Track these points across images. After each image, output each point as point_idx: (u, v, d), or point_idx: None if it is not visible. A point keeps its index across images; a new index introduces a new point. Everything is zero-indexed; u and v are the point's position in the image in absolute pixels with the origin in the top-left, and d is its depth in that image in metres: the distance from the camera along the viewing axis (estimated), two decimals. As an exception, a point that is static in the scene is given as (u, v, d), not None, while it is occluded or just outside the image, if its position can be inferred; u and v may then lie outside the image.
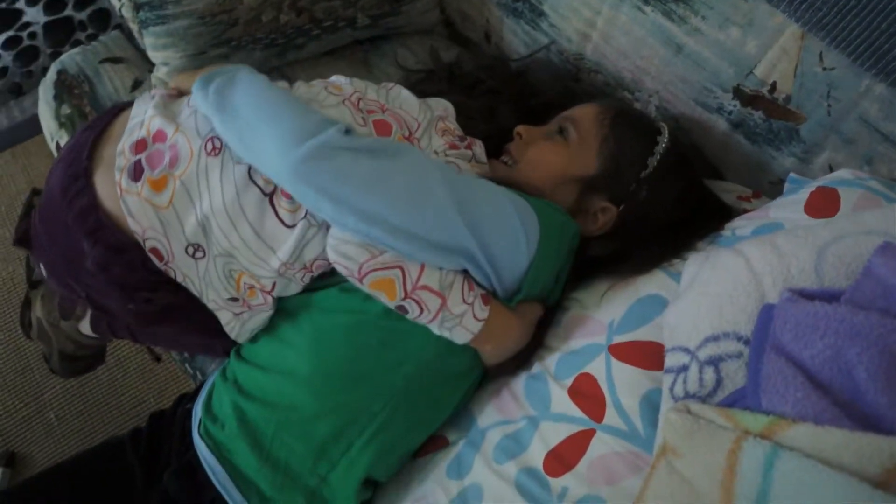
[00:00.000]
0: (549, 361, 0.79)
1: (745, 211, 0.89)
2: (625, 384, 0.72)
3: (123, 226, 0.76)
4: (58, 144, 1.20)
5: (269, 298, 0.80)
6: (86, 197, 0.76)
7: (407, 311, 0.73)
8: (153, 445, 0.88)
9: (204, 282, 0.79)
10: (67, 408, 1.44)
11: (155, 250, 0.76)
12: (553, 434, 0.73)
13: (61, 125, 1.19)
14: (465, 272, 0.74)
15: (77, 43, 1.81)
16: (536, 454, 0.73)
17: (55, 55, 1.81)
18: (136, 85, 1.23)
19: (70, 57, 1.27)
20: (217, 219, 0.75)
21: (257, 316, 0.82)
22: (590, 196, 0.85)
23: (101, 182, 0.77)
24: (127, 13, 1.16)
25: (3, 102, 1.81)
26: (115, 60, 1.26)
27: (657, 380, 0.71)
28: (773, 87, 0.86)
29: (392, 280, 0.70)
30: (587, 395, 0.73)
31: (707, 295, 0.66)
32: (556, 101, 0.99)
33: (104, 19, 1.79)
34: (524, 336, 0.79)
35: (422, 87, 0.93)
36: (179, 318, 0.83)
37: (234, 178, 0.75)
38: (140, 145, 0.77)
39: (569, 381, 0.75)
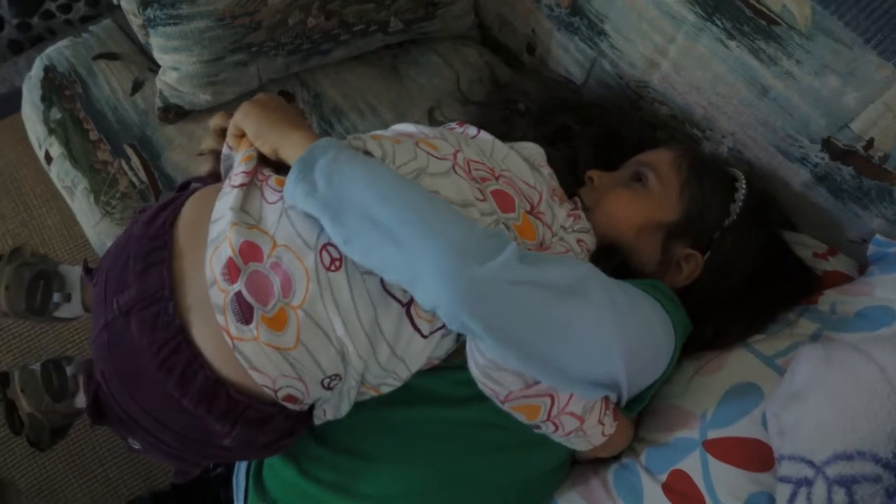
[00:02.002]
0: (640, 452, 0.74)
1: (826, 272, 0.84)
2: (725, 485, 0.66)
3: (251, 387, 0.62)
4: (47, 153, 1.05)
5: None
6: (198, 371, 0.60)
7: (539, 429, 0.66)
8: None
9: (328, 405, 0.67)
10: (51, 430, 1.32)
11: (290, 397, 0.64)
12: (647, 534, 0.68)
13: (51, 131, 1.05)
14: None
15: (47, 13, 1.62)
16: (628, 555, 0.68)
17: (22, 26, 1.62)
18: (137, 87, 1.08)
19: (58, 51, 1.10)
20: (355, 344, 0.62)
21: None
22: (672, 244, 0.80)
23: (201, 336, 0.60)
24: (127, 6, 1.02)
25: (-37, 80, 1.62)
26: (110, 56, 1.11)
27: (761, 483, 0.65)
28: (870, 143, 0.79)
29: (539, 406, 0.63)
30: (684, 494, 0.67)
31: (835, 403, 0.60)
32: (632, 144, 0.91)
33: (79, -14, 1.60)
34: (631, 438, 0.75)
35: (495, 128, 0.82)
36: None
37: (369, 295, 0.61)
38: (232, 270, 0.60)
39: (663, 477, 0.70)
